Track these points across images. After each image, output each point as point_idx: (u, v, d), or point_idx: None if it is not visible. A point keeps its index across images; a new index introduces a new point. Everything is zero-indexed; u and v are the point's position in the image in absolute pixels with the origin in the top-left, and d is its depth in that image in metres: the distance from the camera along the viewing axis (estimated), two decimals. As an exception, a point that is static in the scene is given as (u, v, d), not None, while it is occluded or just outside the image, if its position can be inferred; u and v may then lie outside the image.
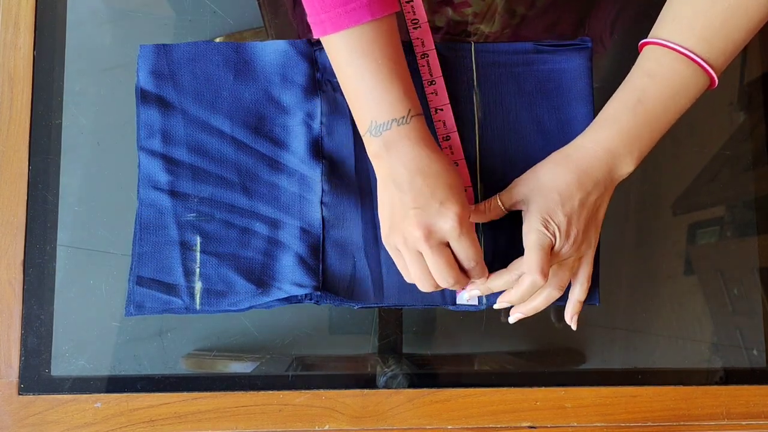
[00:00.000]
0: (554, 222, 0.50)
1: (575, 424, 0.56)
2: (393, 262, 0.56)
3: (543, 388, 0.56)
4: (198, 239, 0.56)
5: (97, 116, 0.60)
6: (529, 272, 0.49)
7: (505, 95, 0.58)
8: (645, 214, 0.60)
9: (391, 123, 0.49)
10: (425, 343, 0.58)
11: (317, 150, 0.57)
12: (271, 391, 0.56)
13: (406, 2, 0.56)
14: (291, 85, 0.58)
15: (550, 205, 0.50)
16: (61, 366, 0.57)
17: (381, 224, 0.51)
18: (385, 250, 0.56)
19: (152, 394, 0.56)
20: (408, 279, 0.52)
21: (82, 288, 0.58)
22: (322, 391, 0.56)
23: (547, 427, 0.56)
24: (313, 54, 0.59)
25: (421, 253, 0.49)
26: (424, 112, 0.52)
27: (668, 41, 0.49)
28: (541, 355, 0.58)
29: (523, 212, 0.52)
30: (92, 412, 0.56)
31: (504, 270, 0.52)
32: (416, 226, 0.48)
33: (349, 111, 0.57)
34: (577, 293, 0.53)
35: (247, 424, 0.56)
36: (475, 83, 0.58)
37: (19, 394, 0.56)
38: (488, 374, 0.58)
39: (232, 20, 0.62)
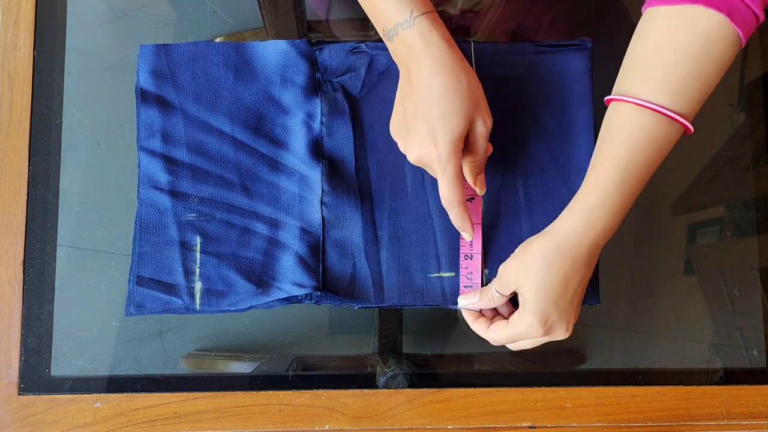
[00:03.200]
0: (550, 320, 0.49)
1: (575, 424, 0.56)
2: (393, 262, 0.56)
3: (543, 388, 0.56)
4: (198, 239, 0.56)
5: (97, 116, 0.60)
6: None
7: (505, 95, 0.58)
8: (645, 214, 0.60)
9: (396, 28, 0.48)
10: (425, 343, 0.58)
11: (317, 150, 0.57)
12: (271, 391, 0.56)
13: None
14: (291, 85, 0.58)
15: (546, 307, 0.49)
16: (61, 366, 0.57)
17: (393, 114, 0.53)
18: (385, 250, 0.56)
19: (152, 394, 0.56)
20: None
21: (82, 288, 0.58)
22: (322, 391, 0.56)
23: (547, 427, 0.56)
24: (313, 54, 0.59)
25: None
26: None
27: (646, 101, 0.47)
28: (541, 355, 0.58)
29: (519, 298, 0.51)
30: (92, 412, 0.56)
31: (501, 323, 0.52)
32: (404, 148, 0.51)
33: (350, 111, 0.58)
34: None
35: (247, 424, 0.56)
36: (475, 83, 0.58)
37: (19, 394, 0.56)
38: (488, 374, 0.58)
39: (232, 20, 0.62)
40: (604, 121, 0.49)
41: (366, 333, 0.58)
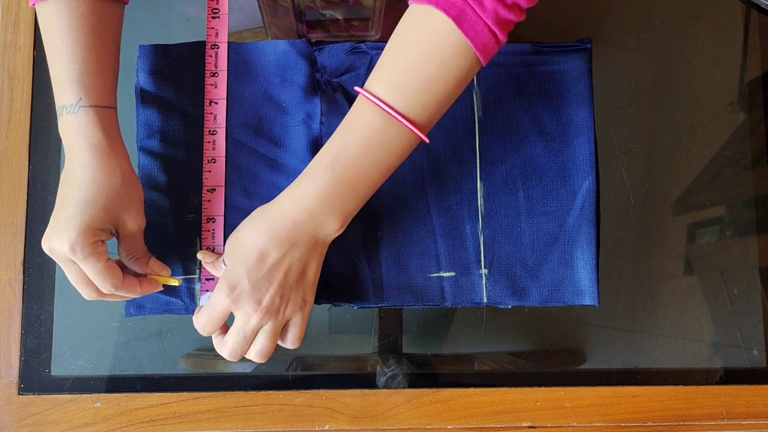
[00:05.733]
0: (238, 289, 0.47)
1: (575, 424, 0.56)
2: (393, 262, 0.56)
3: (543, 388, 0.56)
4: (198, 239, 0.56)
5: (97, 116, 0.60)
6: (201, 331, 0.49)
7: (505, 95, 0.58)
8: (645, 214, 0.60)
9: (62, 108, 0.47)
10: (425, 343, 0.58)
11: (317, 150, 0.57)
12: (271, 391, 0.56)
13: None
14: (291, 86, 0.58)
15: (238, 272, 0.47)
16: (61, 366, 0.57)
17: None
18: (385, 250, 0.56)
19: (152, 394, 0.56)
20: None
21: (82, 288, 0.58)
22: (322, 391, 0.56)
23: (547, 427, 0.56)
24: (312, 54, 0.59)
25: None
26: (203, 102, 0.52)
27: (369, 92, 0.46)
28: (541, 355, 0.58)
29: None
30: (92, 412, 0.56)
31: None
32: (45, 237, 0.47)
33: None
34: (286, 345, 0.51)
35: (247, 424, 0.56)
36: (475, 82, 0.58)
37: (19, 394, 0.56)
38: (488, 374, 0.58)
39: (232, 20, 0.61)
40: None
41: (366, 333, 0.58)
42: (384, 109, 0.46)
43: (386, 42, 0.59)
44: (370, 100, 0.46)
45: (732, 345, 0.59)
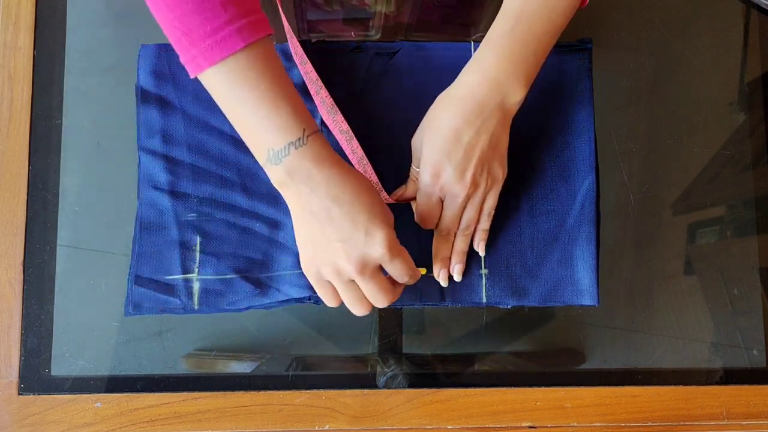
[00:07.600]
0: (443, 176, 0.50)
1: (575, 424, 0.56)
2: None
3: (543, 388, 0.56)
4: (198, 239, 0.56)
5: (97, 116, 0.60)
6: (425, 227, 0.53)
7: (505, 95, 0.58)
8: (645, 214, 0.60)
9: (288, 147, 0.46)
10: (425, 343, 0.58)
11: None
12: (271, 391, 0.56)
13: None
14: (291, 85, 0.58)
15: (438, 158, 0.50)
16: (61, 366, 0.57)
17: (300, 253, 0.49)
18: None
19: (152, 394, 0.56)
20: (331, 304, 0.50)
21: (82, 288, 0.58)
22: (322, 391, 0.56)
23: (547, 427, 0.56)
24: (312, 54, 0.59)
25: (354, 281, 0.48)
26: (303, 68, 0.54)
27: None
28: (541, 355, 0.58)
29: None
30: (92, 412, 0.56)
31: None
32: (348, 261, 0.47)
33: (349, 111, 0.57)
34: (482, 224, 0.54)
35: (247, 424, 0.56)
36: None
37: (19, 394, 0.56)
38: (488, 374, 0.58)
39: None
40: None
41: (366, 333, 0.58)
42: None
43: (386, 42, 0.59)
44: None
45: (732, 345, 0.59)
